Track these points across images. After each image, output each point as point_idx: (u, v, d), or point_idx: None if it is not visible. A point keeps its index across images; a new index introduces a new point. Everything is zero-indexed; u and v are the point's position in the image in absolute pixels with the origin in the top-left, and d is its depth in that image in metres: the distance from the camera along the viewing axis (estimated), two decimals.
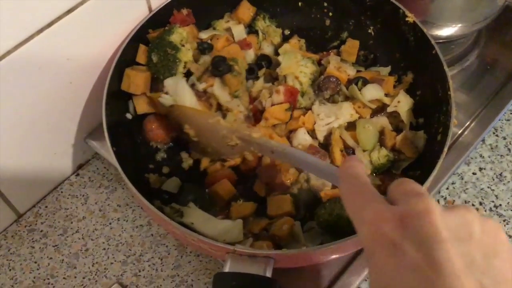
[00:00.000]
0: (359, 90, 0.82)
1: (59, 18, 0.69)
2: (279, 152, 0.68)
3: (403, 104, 0.80)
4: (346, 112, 0.81)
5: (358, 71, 0.88)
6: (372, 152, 0.78)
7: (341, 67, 0.86)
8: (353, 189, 0.45)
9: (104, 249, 0.81)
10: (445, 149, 0.67)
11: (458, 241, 0.37)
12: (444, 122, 0.71)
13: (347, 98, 0.84)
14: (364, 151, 0.79)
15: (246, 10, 0.89)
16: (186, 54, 0.81)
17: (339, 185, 0.47)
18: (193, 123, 0.77)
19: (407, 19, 0.78)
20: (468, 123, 0.90)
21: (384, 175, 0.77)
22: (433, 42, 0.74)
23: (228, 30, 0.89)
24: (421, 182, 0.65)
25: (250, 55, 0.88)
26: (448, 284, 0.35)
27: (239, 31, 0.88)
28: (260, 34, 0.91)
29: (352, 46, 0.89)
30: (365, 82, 0.83)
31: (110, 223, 0.83)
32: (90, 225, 0.83)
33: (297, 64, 0.84)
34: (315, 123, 0.81)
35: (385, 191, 0.71)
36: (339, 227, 0.68)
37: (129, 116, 0.81)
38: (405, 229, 0.38)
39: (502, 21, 0.99)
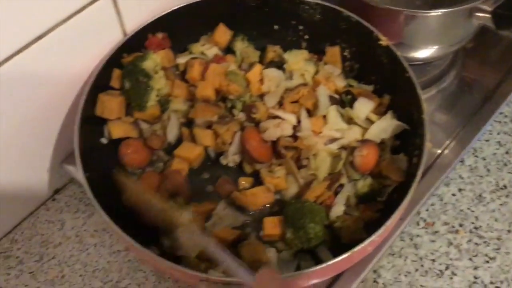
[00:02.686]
0: (347, 103, 0.82)
1: (30, 43, 0.68)
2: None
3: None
4: (352, 135, 0.80)
5: (350, 85, 0.87)
6: (358, 181, 0.77)
7: (330, 77, 0.85)
8: None
9: (81, 275, 0.80)
10: (419, 172, 0.67)
11: None
12: (419, 145, 0.70)
13: None
14: (351, 181, 0.77)
15: (222, 34, 0.88)
16: (159, 82, 0.81)
17: None
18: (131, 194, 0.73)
19: (380, 42, 0.78)
20: (447, 143, 0.89)
21: (366, 204, 0.76)
22: (405, 65, 0.74)
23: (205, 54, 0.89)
24: (398, 205, 0.65)
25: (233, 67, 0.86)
26: None
27: (213, 54, 0.88)
28: (238, 54, 0.90)
29: (333, 54, 0.87)
30: (353, 98, 0.82)
31: (87, 249, 0.82)
32: (67, 251, 0.82)
33: (303, 61, 0.85)
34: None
35: (366, 221, 0.72)
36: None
37: (104, 140, 0.81)
38: None
39: (479, 41, 1.00)
